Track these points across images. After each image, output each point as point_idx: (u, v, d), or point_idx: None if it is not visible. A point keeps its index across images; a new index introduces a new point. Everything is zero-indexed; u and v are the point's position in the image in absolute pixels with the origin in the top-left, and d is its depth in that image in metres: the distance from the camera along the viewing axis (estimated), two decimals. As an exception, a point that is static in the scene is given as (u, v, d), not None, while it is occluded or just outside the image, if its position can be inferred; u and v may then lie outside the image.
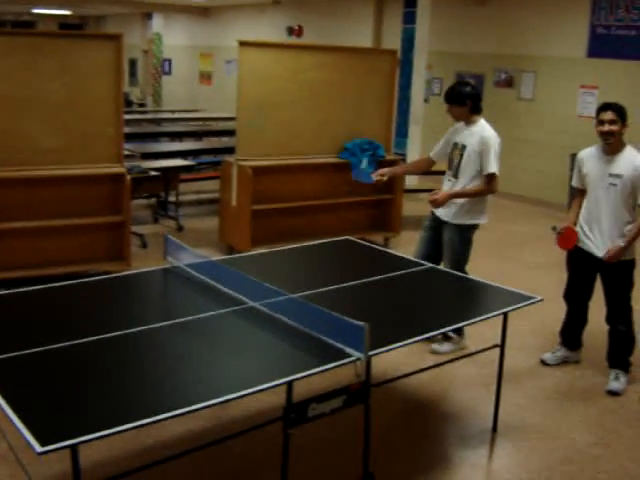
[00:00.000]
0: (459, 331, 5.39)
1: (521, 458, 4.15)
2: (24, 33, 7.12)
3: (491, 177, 5.22)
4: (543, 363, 5.38)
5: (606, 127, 4.76)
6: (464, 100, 5.28)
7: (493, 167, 5.20)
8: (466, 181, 5.32)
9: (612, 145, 4.81)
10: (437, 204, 5.32)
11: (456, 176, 5.37)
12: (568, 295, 5.30)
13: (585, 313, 5.29)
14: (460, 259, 5.38)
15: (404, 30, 11.86)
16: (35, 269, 6.37)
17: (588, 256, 5.02)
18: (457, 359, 4.72)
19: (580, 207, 5.15)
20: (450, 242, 5.39)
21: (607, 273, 5.00)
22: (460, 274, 4.88)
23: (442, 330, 3.84)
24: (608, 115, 4.76)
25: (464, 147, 5.32)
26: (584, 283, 5.18)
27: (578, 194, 5.19)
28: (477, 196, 5.30)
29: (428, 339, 5.05)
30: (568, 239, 5.06)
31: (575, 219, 5.13)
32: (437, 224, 5.49)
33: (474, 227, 5.42)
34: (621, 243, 4.79)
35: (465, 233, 5.38)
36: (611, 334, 5.10)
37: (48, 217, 6.48)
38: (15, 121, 6.30)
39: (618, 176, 4.79)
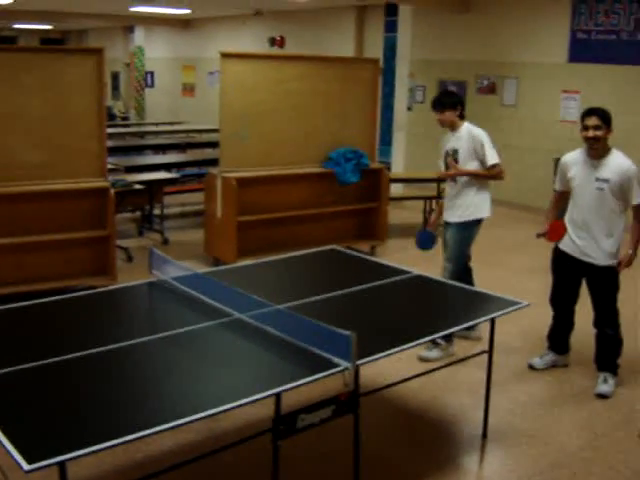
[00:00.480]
0: (447, 338, 5.39)
1: (512, 463, 4.14)
2: (5, 48, 7.08)
3: (495, 167, 5.50)
4: (531, 368, 5.39)
5: (591, 133, 4.77)
6: (456, 105, 5.54)
7: (494, 158, 5.48)
8: (466, 180, 5.54)
9: (597, 150, 4.82)
10: (451, 175, 5.58)
11: (455, 180, 5.60)
12: (554, 299, 5.31)
13: (572, 317, 5.30)
14: (463, 254, 5.64)
15: (386, 39, 11.90)
16: (20, 285, 6.33)
17: (573, 260, 5.04)
18: (445, 366, 4.72)
19: (558, 207, 5.21)
20: (453, 240, 5.61)
21: (593, 278, 5.01)
22: (445, 281, 4.89)
23: (430, 337, 3.84)
24: (592, 121, 4.77)
25: (456, 151, 5.54)
26: (569, 287, 5.19)
27: (560, 197, 5.22)
28: (486, 178, 5.57)
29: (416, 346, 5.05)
30: (557, 230, 5.09)
31: (555, 215, 5.21)
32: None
33: (479, 222, 5.62)
34: (630, 251, 4.86)
35: (469, 229, 5.60)
36: (598, 337, 5.12)
37: (32, 233, 6.45)
38: (-3, 137, 6.27)
39: (605, 180, 4.79)
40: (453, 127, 5.58)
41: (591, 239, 4.91)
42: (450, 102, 5.56)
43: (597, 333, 5.12)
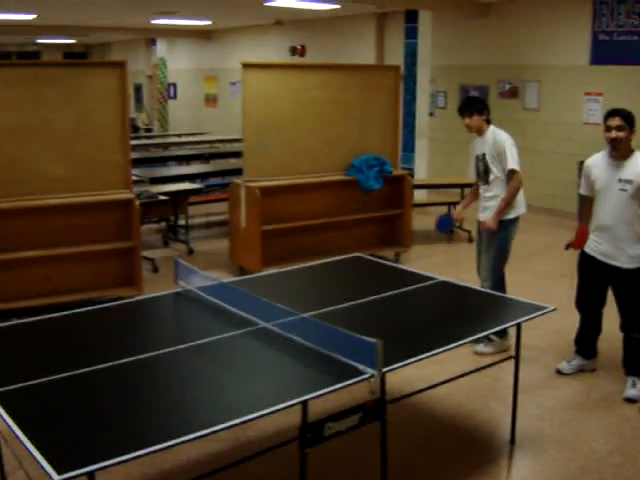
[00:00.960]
0: (501, 333, 5.45)
1: (540, 469, 4.12)
2: (29, 64, 7.19)
3: (512, 173, 5.52)
4: (559, 373, 5.35)
5: (613, 133, 4.74)
6: (482, 109, 5.66)
7: (511, 164, 5.50)
8: (498, 181, 5.62)
9: (620, 151, 4.79)
10: (490, 229, 5.61)
11: (487, 182, 5.69)
12: (580, 303, 5.27)
13: (599, 321, 5.26)
14: (500, 256, 5.69)
15: (406, 45, 11.88)
16: (47, 297, 6.39)
17: (599, 264, 5.00)
18: (472, 372, 4.70)
19: (587, 214, 5.17)
20: (491, 241, 5.68)
21: (618, 281, 4.97)
22: (471, 286, 4.88)
23: (456, 344, 3.81)
24: (615, 121, 4.75)
25: (484, 156, 5.63)
26: (595, 291, 5.15)
27: (586, 201, 5.19)
28: (511, 199, 5.57)
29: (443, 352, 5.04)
30: (582, 237, 5.10)
31: (587, 224, 5.15)
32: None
33: (515, 220, 5.67)
34: None
35: (507, 228, 5.65)
36: (626, 342, 5.07)
37: (58, 245, 6.51)
38: (23, 151, 6.35)
39: (628, 181, 4.76)
40: (480, 132, 5.68)
41: (616, 242, 4.87)
42: (477, 107, 5.66)
43: (624, 337, 5.07)
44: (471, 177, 5.98)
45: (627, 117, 4.78)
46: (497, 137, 5.59)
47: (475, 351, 5.66)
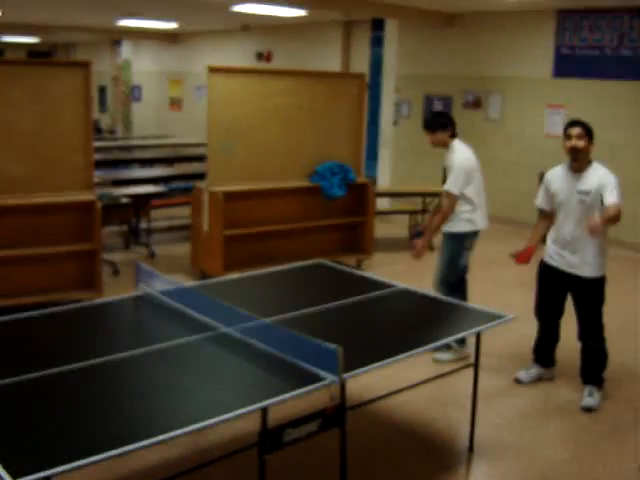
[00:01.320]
0: (461, 340, 5.47)
1: (498, 477, 4.15)
2: (-9, 62, 7.10)
3: (447, 193, 5.61)
4: (517, 381, 5.40)
5: (573, 141, 4.82)
6: (446, 125, 5.70)
7: (448, 184, 5.60)
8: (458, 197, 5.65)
9: (579, 162, 4.86)
10: (419, 254, 5.75)
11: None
12: (539, 312, 5.34)
13: (557, 330, 5.33)
14: (449, 267, 5.77)
15: (372, 53, 11.92)
16: (5, 299, 6.30)
17: (560, 274, 5.07)
18: (431, 379, 4.73)
19: (542, 229, 5.27)
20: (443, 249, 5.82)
21: (579, 290, 5.04)
22: (431, 294, 4.91)
23: (416, 351, 3.83)
24: (576, 130, 4.84)
25: (450, 168, 5.67)
26: (555, 301, 5.22)
27: (541, 216, 5.29)
28: (442, 220, 5.67)
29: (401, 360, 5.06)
30: (525, 255, 5.21)
31: (537, 241, 5.26)
32: None
33: (467, 235, 5.71)
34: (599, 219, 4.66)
35: (458, 241, 5.71)
36: (584, 351, 5.14)
37: (17, 246, 6.43)
38: (-17, 150, 6.27)
39: (587, 192, 4.83)
40: (447, 145, 5.73)
41: (577, 252, 4.94)
42: (440, 122, 5.71)
43: (582, 346, 5.14)
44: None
45: (587, 128, 4.87)
46: (453, 155, 5.65)
47: (434, 358, 5.69)
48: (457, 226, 5.67)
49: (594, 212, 4.80)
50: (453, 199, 5.57)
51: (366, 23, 12.73)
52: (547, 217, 5.24)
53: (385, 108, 11.84)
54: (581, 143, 4.81)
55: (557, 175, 5.07)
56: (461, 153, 5.66)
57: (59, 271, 6.75)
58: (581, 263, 4.94)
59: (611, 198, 4.68)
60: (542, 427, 4.74)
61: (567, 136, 4.88)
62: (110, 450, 2.53)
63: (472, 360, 4.28)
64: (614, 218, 4.59)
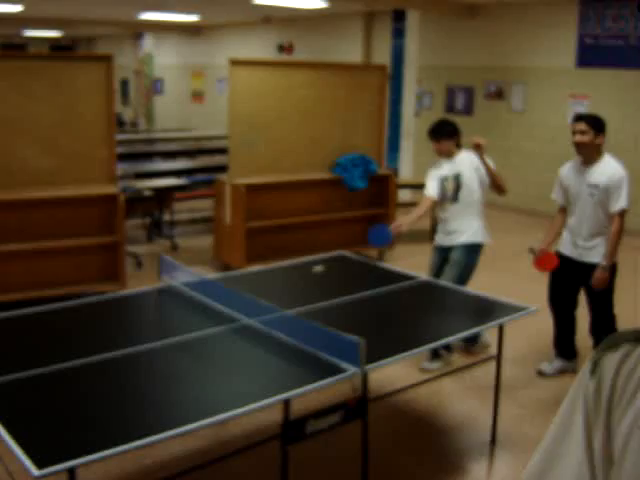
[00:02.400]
0: (447, 347, 5.39)
1: (521, 470, 4.13)
2: (15, 56, 7.15)
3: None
4: (540, 374, 5.38)
5: (577, 137, 4.85)
6: (453, 133, 5.46)
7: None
8: (467, 203, 5.41)
9: (586, 155, 4.89)
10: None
11: (457, 200, 5.42)
12: (553, 303, 5.33)
13: (573, 322, 5.32)
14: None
15: (393, 45, 11.89)
16: (30, 291, 6.36)
17: (572, 263, 5.09)
18: (455, 372, 4.72)
19: (558, 226, 5.25)
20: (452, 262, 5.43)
21: (589, 279, 5.00)
22: (453, 286, 4.90)
23: (438, 343, 3.83)
24: (579, 126, 4.85)
25: (458, 176, 5.40)
26: (567, 290, 5.24)
27: (559, 210, 5.29)
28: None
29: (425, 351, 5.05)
30: (545, 262, 5.17)
31: (552, 239, 5.24)
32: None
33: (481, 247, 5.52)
34: (603, 263, 4.86)
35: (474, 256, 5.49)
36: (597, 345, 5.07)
37: (42, 239, 6.48)
38: (7, 143, 6.32)
39: (595, 186, 4.86)
40: (450, 155, 5.47)
41: (589, 241, 4.98)
42: (447, 131, 5.48)
43: (594, 343, 5.10)
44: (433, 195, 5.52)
45: (593, 122, 4.85)
46: (476, 160, 5.29)
47: (421, 367, 5.32)
48: (479, 235, 5.45)
49: (603, 207, 4.85)
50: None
51: (387, 14, 12.70)
52: (564, 210, 5.23)
53: (407, 99, 11.81)
54: (585, 138, 4.81)
55: (569, 169, 5.10)
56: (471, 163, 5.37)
57: (83, 263, 6.79)
58: (594, 252, 4.95)
59: (616, 204, 4.79)
60: (565, 419, 4.70)
61: (572, 131, 4.90)
62: (133, 441, 2.55)
63: (495, 352, 4.27)
64: (615, 245, 4.82)
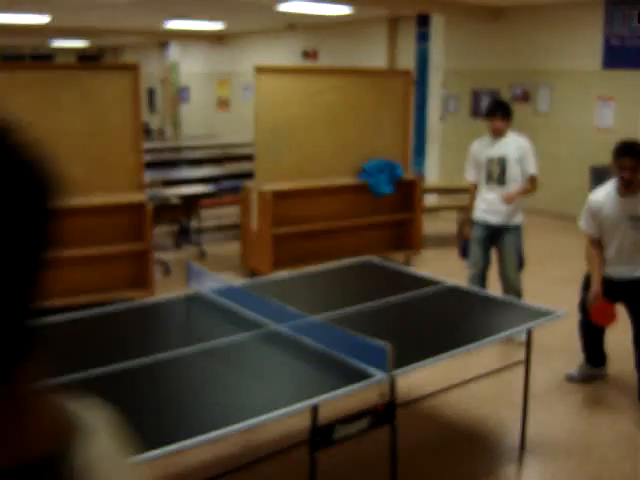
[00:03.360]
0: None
1: (550, 476, 4.11)
2: (43, 66, 7.25)
3: (534, 178, 5.87)
4: (569, 379, 5.33)
5: (627, 174, 4.54)
6: (510, 113, 5.85)
7: (534, 169, 5.85)
8: (514, 185, 5.84)
9: (632, 189, 4.62)
10: (510, 201, 5.81)
11: (502, 183, 5.86)
12: (585, 309, 5.05)
13: (602, 329, 5.16)
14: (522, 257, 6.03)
15: (418, 49, 11.89)
16: (59, 298, 6.41)
17: (608, 283, 4.87)
18: (482, 377, 4.70)
19: (600, 261, 4.89)
20: (512, 244, 5.92)
21: (631, 294, 4.84)
22: (481, 291, 4.88)
23: (467, 348, 3.81)
24: (627, 162, 4.51)
25: (504, 159, 5.82)
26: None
27: (593, 243, 4.93)
28: (528, 194, 5.95)
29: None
30: (605, 314, 4.90)
31: (601, 278, 4.87)
32: (490, 232, 5.98)
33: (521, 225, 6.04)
34: None
35: (521, 232, 6.01)
36: (638, 348, 4.96)
37: (70, 246, 6.53)
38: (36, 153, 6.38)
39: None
40: (501, 134, 5.81)
41: (629, 266, 4.81)
42: (508, 110, 5.84)
43: (635, 350, 4.96)
44: (472, 179, 6.12)
45: (639, 153, 4.53)
46: (521, 140, 5.87)
47: (518, 341, 5.35)
48: (521, 217, 5.97)
49: None
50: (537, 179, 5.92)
51: (411, 19, 12.70)
52: (598, 242, 4.91)
53: (432, 104, 11.79)
54: (635, 175, 4.53)
55: (606, 199, 4.76)
56: (525, 138, 5.90)
57: (111, 270, 6.85)
58: (633, 270, 4.80)
59: None
60: (595, 425, 4.68)
61: (619, 167, 4.56)
62: (162, 447, 2.57)
63: (523, 357, 4.24)
64: None
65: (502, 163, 5.81)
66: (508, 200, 5.76)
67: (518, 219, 5.95)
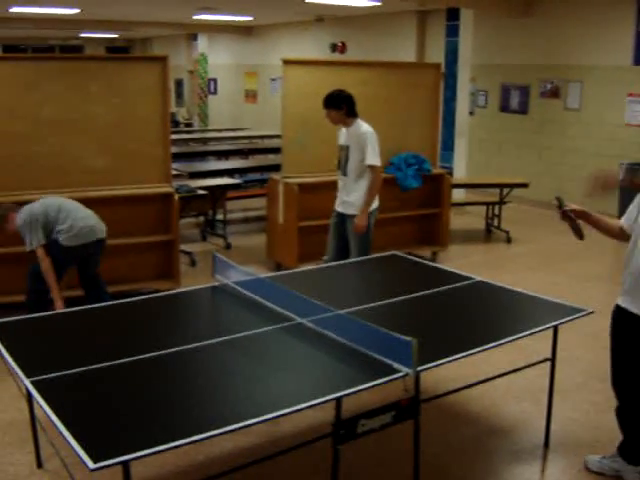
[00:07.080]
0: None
1: (574, 473, 4.08)
2: (72, 57, 7.29)
3: (372, 168, 5.95)
4: (585, 467, 4.18)
5: None
6: (340, 104, 5.97)
7: (372, 159, 5.92)
8: (354, 176, 6.05)
9: None
10: (361, 229, 5.99)
11: (345, 174, 6.13)
12: (618, 380, 3.98)
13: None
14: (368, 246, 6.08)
15: (447, 43, 11.81)
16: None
17: (636, 320, 3.69)
18: (507, 373, 4.67)
19: (611, 224, 4.03)
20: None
21: None
22: (508, 287, 4.84)
23: (492, 344, 3.77)
24: None
25: (348, 147, 6.05)
26: (634, 355, 3.78)
27: (618, 228, 3.95)
28: (374, 192, 6.01)
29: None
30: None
31: (599, 218, 4.07)
32: (341, 220, 6.28)
33: (373, 213, 6.11)
34: None
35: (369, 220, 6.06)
36: None
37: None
38: (64, 144, 6.43)
39: None
40: (346, 124, 6.03)
41: None
42: (335, 101, 5.96)
43: None
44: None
45: None
46: (361, 130, 5.96)
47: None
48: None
49: None
50: (377, 170, 6.01)
51: (441, 12, 12.64)
52: (623, 231, 3.90)
53: (461, 98, 11.72)
54: None
55: None
56: (370, 129, 6.00)
57: (138, 262, 6.89)
58: None
59: None
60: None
61: None
62: (186, 437, 2.58)
63: (549, 355, 4.21)
64: None
65: (346, 152, 6.04)
66: (359, 229, 5.98)
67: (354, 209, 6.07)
